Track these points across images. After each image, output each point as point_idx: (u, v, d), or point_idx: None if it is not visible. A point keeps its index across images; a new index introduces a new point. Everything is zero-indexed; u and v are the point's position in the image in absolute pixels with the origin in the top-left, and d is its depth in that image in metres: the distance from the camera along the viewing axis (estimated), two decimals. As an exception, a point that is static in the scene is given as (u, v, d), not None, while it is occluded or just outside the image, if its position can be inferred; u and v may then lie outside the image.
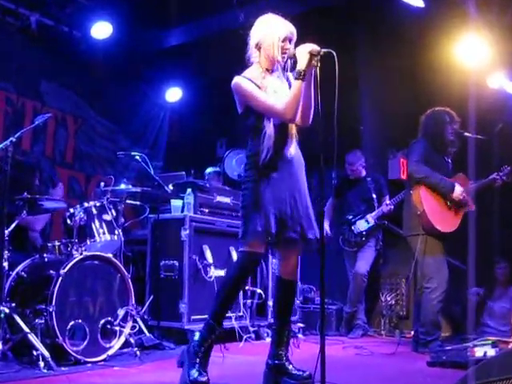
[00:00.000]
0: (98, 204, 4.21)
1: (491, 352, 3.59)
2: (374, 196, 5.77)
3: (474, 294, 5.44)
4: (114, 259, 4.03)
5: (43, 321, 3.52)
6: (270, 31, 3.08)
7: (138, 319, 4.18)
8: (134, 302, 4.02)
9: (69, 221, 4.10)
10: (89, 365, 3.58)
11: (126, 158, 5.98)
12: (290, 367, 3.11)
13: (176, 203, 4.88)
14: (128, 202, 4.76)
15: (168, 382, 3.25)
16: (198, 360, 2.95)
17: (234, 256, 4.83)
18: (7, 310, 3.49)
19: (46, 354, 3.37)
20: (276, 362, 3.13)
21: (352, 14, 6.10)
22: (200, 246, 4.74)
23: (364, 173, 5.89)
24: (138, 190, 4.73)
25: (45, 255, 3.94)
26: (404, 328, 5.65)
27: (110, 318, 3.84)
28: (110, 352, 3.77)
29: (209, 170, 6.21)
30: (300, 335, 5.26)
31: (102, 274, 3.90)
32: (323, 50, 2.87)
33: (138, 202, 4.92)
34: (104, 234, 4.17)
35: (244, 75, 3.09)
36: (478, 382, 1.91)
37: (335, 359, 3.96)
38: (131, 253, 4.89)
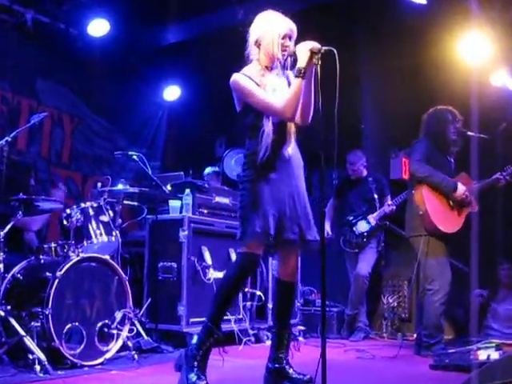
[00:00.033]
0: (95, 205, 4.18)
1: (495, 355, 3.56)
2: (376, 196, 5.70)
3: (477, 295, 5.38)
4: (111, 261, 3.99)
5: (39, 324, 3.48)
6: (269, 28, 3.05)
7: (136, 322, 4.14)
8: (131, 304, 3.98)
9: (65, 222, 4.07)
10: (86, 368, 3.55)
11: (124, 158, 5.93)
12: (291, 371, 3.09)
13: (174, 204, 4.83)
14: (125, 202, 4.71)
15: (166, 386, 3.21)
16: (196, 363, 2.91)
17: (234, 258, 4.78)
18: (2, 313, 3.47)
19: (42, 357, 3.34)
20: (276, 365, 3.10)
21: (353, 11, 6.05)
22: (199, 247, 4.69)
23: (365, 173, 5.83)
24: (136, 190, 4.68)
25: (41, 257, 3.91)
26: (406, 331, 5.59)
27: (107, 321, 3.80)
28: (108, 355, 3.73)
29: (208, 170, 6.19)
30: (300, 338, 5.20)
31: (99, 276, 3.86)
32: (324, 48, 2.85)
33: (135, 203, 4.88)
34: (101, 235, 4.13)
35: (243, 72, 3.06)
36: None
37: (336, 363, 3.91)
38: (129, 254, 4.83)
